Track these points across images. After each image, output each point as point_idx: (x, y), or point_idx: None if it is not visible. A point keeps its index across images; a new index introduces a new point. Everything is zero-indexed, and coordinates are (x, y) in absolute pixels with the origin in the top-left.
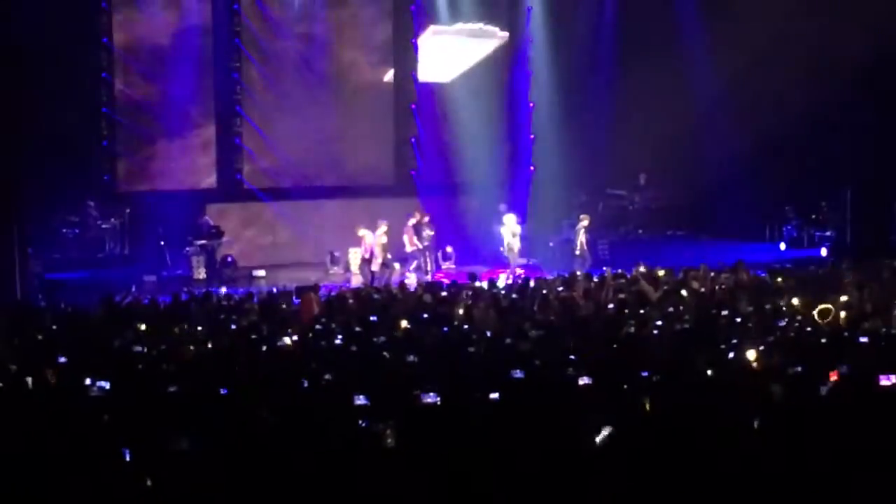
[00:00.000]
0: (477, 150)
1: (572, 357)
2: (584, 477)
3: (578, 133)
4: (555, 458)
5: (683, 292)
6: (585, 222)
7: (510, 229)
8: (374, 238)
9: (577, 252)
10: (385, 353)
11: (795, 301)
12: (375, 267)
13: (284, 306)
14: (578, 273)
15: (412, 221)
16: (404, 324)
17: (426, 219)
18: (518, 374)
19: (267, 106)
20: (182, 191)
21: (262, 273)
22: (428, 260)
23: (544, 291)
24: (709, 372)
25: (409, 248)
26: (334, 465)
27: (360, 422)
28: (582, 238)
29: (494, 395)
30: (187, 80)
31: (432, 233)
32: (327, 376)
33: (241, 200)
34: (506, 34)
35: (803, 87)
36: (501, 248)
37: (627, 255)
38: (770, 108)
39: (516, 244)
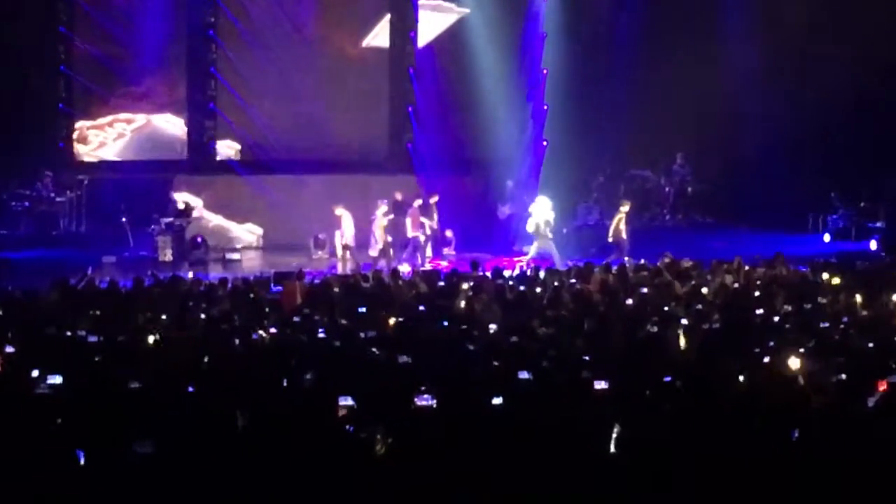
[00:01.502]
0: (482, 121)
1: (586, 358)
2: (598, 494)
3: (598, 105)
4: (565, 471)
5: (713, 288)
6: (626, 208)
7: (543, 216)
8: (375, 221)
9: (611, 239)
10: (375, 350)
11: (840, 300)
12: (374, 252)
13: (262, 294)
14: (610, 262)
15: (418, 202)
16: (398, 317)
17: (434, 200)
18: (524, 374)
19: (245, 68)
20: (148, 161)
21: (236, 256)
22: (428, 246)
23: (556, 284)
24: (741, 378)
25: (410, 233)
26: (316, 476)
27: (347, 427)
28: (621, 226)
29: (497, 400)
30: (156, 37)
31: (435, 216)
32: (309, 375)
33: (215, 174)
34: (465, 10)
35: (853, 63)
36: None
37: (651, 245)
38: (815, 86)
39: (547, 231)
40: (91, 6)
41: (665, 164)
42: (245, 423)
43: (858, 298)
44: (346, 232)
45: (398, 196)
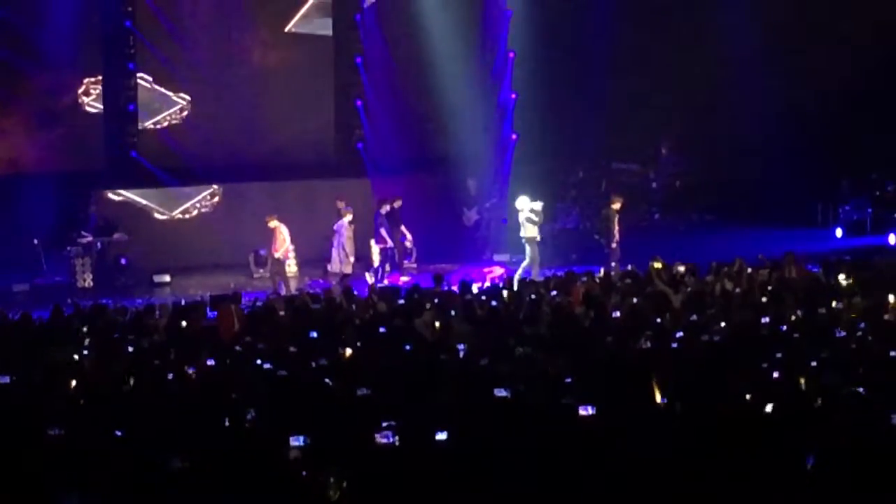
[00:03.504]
0: (443, 113)
1: (569, 380)
2: None
3: (573, 91)
4: None
5: (712, 295)
6: (617, 205)
7: (525, 214)
8: (342, 231)
9: (615, 245)
10: (328, 381)
11: (857, 304)
12: (348, 269)
13: (196, 322)
14: (611, 271)
15: (387, 208)
16: (354, 342)
17: (398, 204)
18: (502, 392)
19: (169, 61)
20: (60, 173)
21: (166, 279)
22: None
23: (533, 297)
24: (747, 397)
25: (390, 243)
26: None
27: (298, 470)
28: (616, 227)
29: (441, 436)
30: (65, 29)
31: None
32: (253, 411)
33: (138, 184)
34: None
35: (865, 37)
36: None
37: (640, 248)
38: (822, 59)
39: (533, 230)
40: None
41: (651, 156)
42: (182, 468)
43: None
44: (280, 247)
45: (340, 204)
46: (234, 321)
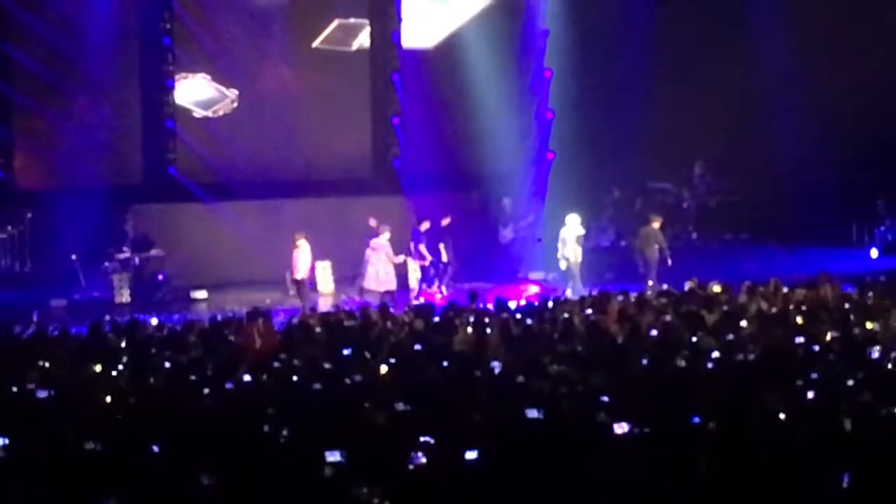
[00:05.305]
0: (478, 131)
1: (605, 399)
2: None
3: (609, 110)
4: None
5: (747, 314)
6: (657, 224)
7: (573, 234)
8: (381, 248)
9: (669, 260)
10: (364, 402)
11: (892, 325)
12: (392, 285)
13: (233, 338)
14: (651, 290)
15: (426, 225)
16: (389, 359)
17: (446, 222)
18: (534, 412)
19: (208, 79)
20: (99, 189)
21: (203, 294)
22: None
23: (568, 315)
24: (781, 416)
25: (430, 260)
26: None
27: (335, 486)
28: (664, 244)
29: (471, 454)
30: (104, 47)
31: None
32: (289, 427)
33: (176, 200)
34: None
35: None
36: (562, 261)
37: (675, 267)
38: (855, 80)
39: (577, 253)
40: (29, 16)
41: (685, 175)
42: (218, 485)
43: None
44: (301, 265)
45: (372, 222)
46: (256, 339)
